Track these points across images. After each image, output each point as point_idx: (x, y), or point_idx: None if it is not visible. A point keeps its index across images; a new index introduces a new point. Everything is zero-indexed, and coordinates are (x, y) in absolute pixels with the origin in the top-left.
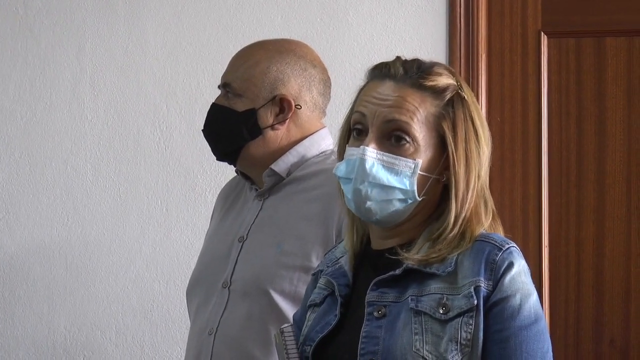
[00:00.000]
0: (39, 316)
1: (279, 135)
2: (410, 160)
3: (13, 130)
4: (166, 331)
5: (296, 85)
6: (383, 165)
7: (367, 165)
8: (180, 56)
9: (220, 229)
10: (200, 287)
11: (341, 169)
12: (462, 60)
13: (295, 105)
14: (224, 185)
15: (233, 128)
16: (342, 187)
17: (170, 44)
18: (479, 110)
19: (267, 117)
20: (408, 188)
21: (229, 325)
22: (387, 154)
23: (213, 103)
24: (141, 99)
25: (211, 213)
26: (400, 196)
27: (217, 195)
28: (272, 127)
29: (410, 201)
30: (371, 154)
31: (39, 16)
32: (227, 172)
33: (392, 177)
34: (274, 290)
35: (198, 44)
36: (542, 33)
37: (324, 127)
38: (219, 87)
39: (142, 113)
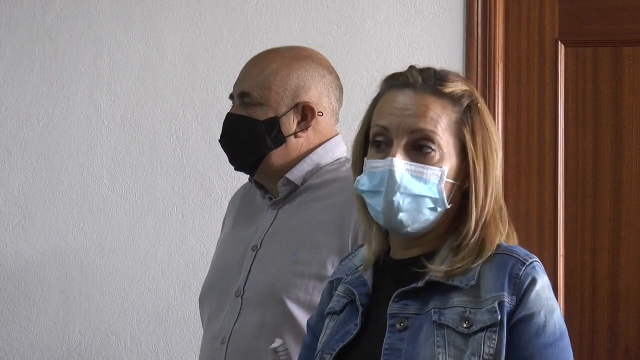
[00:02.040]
0: (54, 321)
1: (300, 142)
2: (437, 167)
3: (30, 134)
4: (181, 337)
5: (317, 91)
6: (412, 175)
7: (397, 176)
8: (197, 62)
9: (232, 237)
10: (212, 295)
11: (364, 182)
12: (479, 69)
13: (318, 112)
14: None
15: (255, 137)
16: (367, 200)
17: (187, 50)
18: (491, 116)
19: (290, 124)
20: (437, 196)
21: (242, 333)
22: (414, 163)
23: (229, 113)
24: (158, 104)
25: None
26: (431, 205)
27: None
28: (295, 134)
29: (440, 209)
30: (399, 165)
31: (57, 21)
32: (242, 178)
33: (421, 186)
34: (288, 298)
35: (215, 50)
36: (559, 42)
37: (338, 133)
38: (230, 97)
39: (158, 119)
